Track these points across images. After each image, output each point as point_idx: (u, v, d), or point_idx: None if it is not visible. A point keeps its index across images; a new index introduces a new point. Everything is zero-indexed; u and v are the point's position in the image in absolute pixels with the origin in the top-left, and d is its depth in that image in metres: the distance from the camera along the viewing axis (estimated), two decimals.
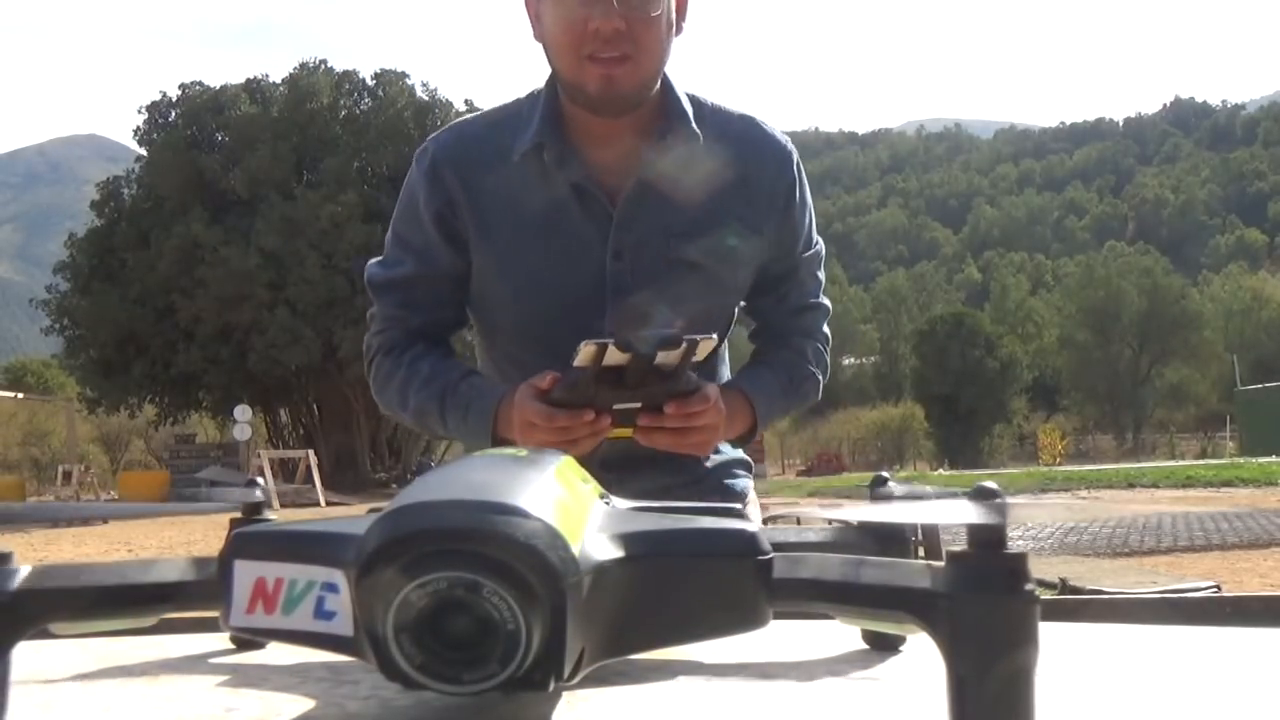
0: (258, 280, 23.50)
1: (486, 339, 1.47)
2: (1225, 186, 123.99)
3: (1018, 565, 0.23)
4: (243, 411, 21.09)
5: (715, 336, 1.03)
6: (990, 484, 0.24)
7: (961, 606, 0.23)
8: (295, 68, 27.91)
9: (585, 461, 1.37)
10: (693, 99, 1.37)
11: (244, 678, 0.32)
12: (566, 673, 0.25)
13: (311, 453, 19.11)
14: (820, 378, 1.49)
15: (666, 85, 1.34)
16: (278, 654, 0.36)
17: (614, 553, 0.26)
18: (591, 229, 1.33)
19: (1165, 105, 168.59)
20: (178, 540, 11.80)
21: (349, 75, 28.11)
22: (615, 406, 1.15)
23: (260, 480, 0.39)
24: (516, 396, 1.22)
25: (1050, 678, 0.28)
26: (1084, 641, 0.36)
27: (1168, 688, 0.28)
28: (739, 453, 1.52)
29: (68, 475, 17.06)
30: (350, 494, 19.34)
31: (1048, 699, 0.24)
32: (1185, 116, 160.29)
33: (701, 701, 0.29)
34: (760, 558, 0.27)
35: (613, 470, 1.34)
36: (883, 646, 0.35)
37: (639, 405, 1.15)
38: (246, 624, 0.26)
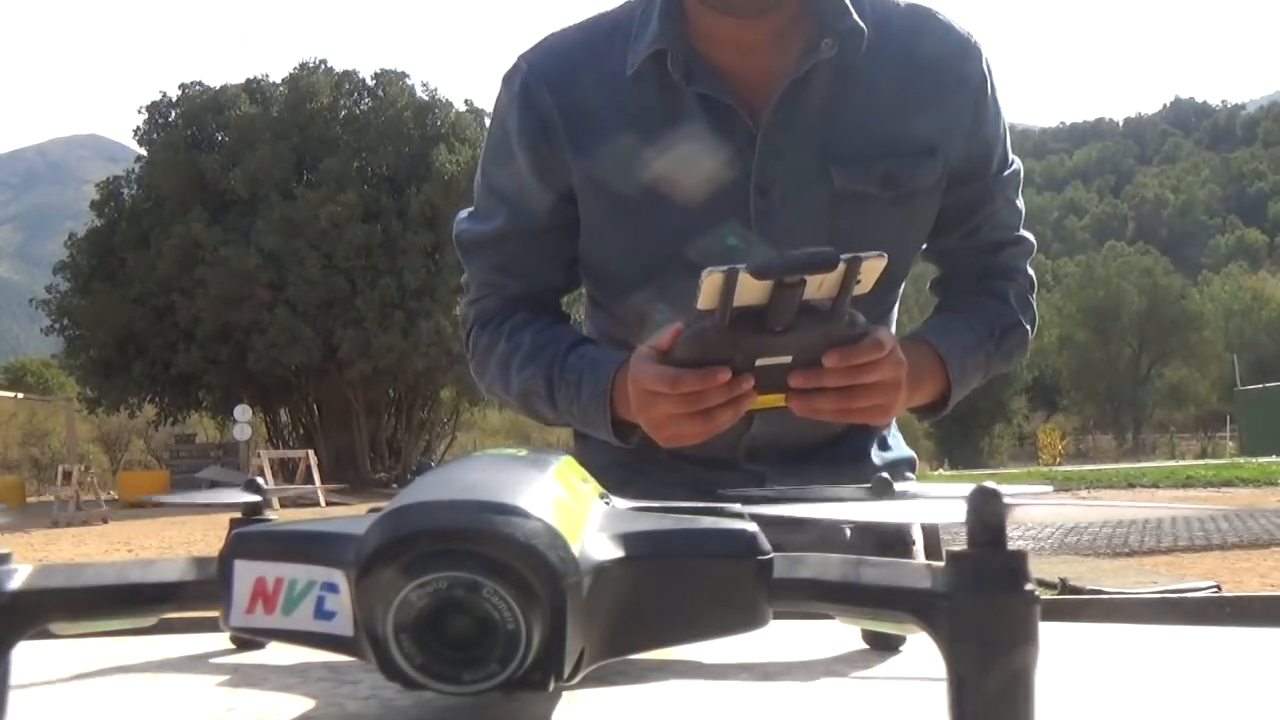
0: (258, 280, 23.50)
1: (599, 303, 1.20)
2: (1225, 186, 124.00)
3: (1018, 565, 0.23)
4: (243, 411, 21.09)
5: (883, 255, 0.78)
6: (991, 484, 0.23)
7: (961, 606, 0.23)
8: (295, 68, 27.95)
9: (729, 448, 1.12)
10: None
11: (244, 678, 0.32)
12: (566, 673, 0.25)
13: (311, 453, 19.12)
14: (1029, 330, 1.18)
15: None
16: (278, 654, 0.36)
17: (614, 553, 0.26)
18: (731, 158, 1.04)
19: (1165, 105, 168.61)
20: (178, 540, 11.80)
21: (349, 75, 28.12)
22: (758, 363, 0.86)
23: (260, 480, 0.39)
24: (632, 360, 0.95)
25: (1050, 678, 0.29)
26: (1084, 641, 0.35)
27: (1168, 688, 0.28)
28: (907, 449, 1.26)
29: (67, 475, 17.04)
30: (350, 494, 19.33)
31: (1048, 699, 0.24)
32: (1185, 116, 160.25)
33: (701, 701, 0.29)
34: (760, 558, 0.27)
35: (760, 461, 1.14)
36: (883, 646, 0.35)
37: (789, 359, 0.86)
38: (246, 624, 0.26)
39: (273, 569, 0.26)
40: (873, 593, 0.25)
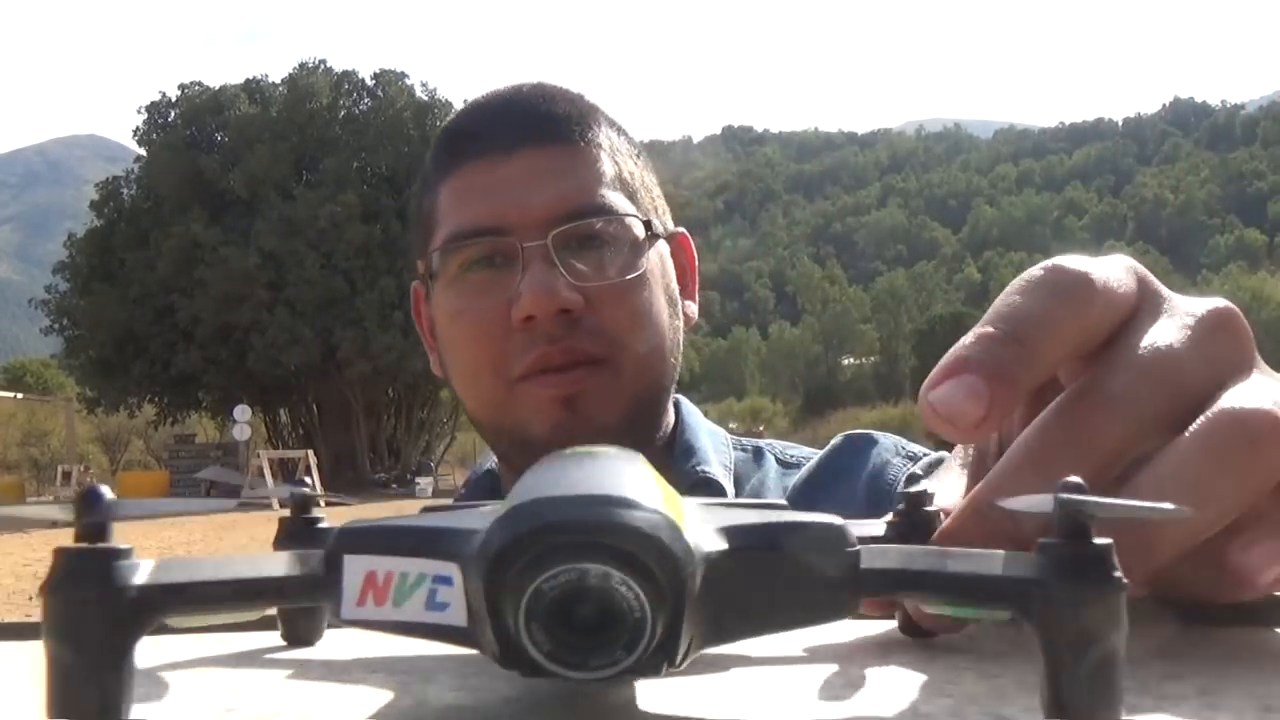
0: (257, 280, 23.52)
1: None
2: (1225, 186, 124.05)
3: (1106, 554, 0.24)
4: (242, 412, 21.10)
5: None
6: (1076, 479, 0.25)
7: (1057, 593, 0.24)
8: (294, 68, 27.98)
9: None
10: (746, 446, 0.86)
11: (244, 678, 0.32)
12: (678, 659, 0.26)
13: (311, 453, 19.10)
14: None
15: (680, 421, 0.82)
16: (277, 654, 0.36)
17: (719, 544, 0.27)
18: None
19: (1164, 105, 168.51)
20: (177, 541, 11.78)
21: (348, 75, 28.16)
22: None
23: (307, 480, 0.39)
24: None
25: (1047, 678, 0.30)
26: None
27: (1167, 688, 0.29)
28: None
29: (67, 475, 17.06)
30: (350, 494, 19.34)
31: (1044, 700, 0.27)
32: (1184, 116, 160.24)
33: (711, 694, 0.30)
34: (849, 549, 0.29)
35: None
36: (917, 634, 0.37)
37: None
38: (357, 616, 0.27)
39: (383, 563, 0.27)
40: (963, 581, 0.27)
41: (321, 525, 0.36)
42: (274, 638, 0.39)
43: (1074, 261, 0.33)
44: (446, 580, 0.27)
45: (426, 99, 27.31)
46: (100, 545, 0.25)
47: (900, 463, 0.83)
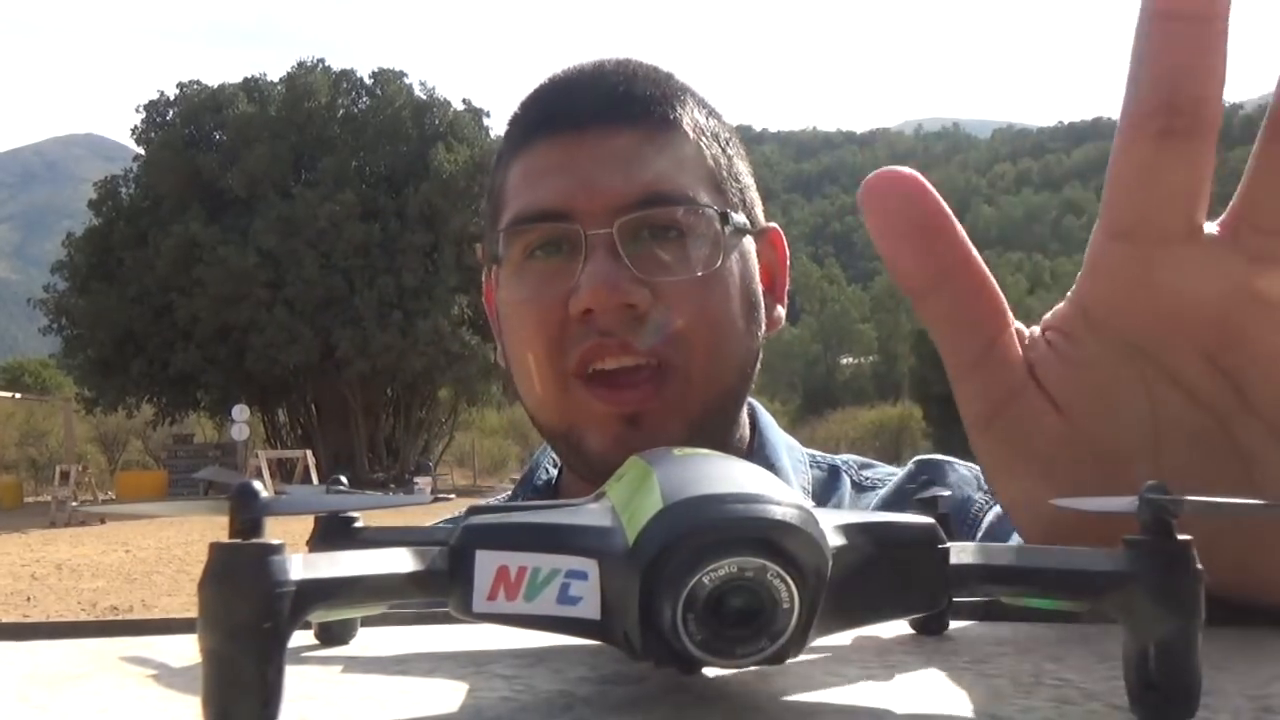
0: (256, 279, 23.50)
1: None
2: (1223, 185, 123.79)
3: (1187, 549, 0.26)
4: (240, 411, 21.06)
5: None
6: (1158, 481, 0.26)
7: (1147, 584, 0.26)
8: (293, 67, 27.94)
9: None
10: (821, 464, 0.82)
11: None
12: (804, 648, 0.27)
13: (309, 453, 19.08)
14: None
15: (757, 434, 0.77)
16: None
17: (838, 540, 0.28)
18: None
19: None
20: (176, 540, 11.78)
21: (347, 74, 28.13)
22: None
23: (344, 480, 0.39)
24: None
25: (1048, 678, 0.31)
26: (1085, 641, 0.36)
27: None
28: None
29: (65, 475, 17.01)
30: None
31: (1045, 699, 0.27)
32: None
33: (725, 685, 0.31)
34: (940, 546, 0.30)
35: None
36: (931, 631, 0.38)
37: None
38: (487, 610, 0.28)
39: (515, 558, 0.28)
40: (1050, 575, 0.29)
41: (358, 524, 0.36)
42: (307, 637, 0.38)
43: None
44: (581, 575, 0.27)
45: (425, 98, 27.29)
46: (255, 540, 0.25)
47: (983, 499, 0.78)
